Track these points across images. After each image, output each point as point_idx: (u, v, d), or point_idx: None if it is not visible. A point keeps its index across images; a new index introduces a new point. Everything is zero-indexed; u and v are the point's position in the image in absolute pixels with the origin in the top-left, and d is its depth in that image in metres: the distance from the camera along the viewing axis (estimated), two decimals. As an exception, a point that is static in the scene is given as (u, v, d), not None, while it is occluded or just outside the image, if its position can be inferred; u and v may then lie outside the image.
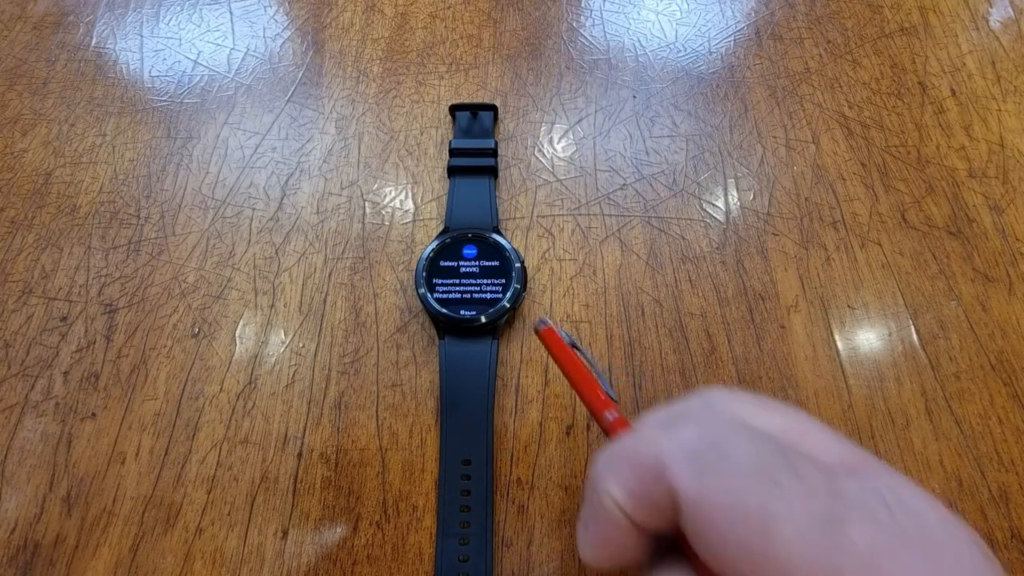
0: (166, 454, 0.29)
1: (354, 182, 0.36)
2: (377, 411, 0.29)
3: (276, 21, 0.42)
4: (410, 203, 0.35)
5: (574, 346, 0.21)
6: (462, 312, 0.29)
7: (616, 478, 0.15)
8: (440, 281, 0.30)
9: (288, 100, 0.39)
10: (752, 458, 0.13)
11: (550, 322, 0.22)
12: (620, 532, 0.15)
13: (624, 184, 0.35)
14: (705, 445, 0.14)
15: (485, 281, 0.30)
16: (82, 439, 0.29)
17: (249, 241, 0.34)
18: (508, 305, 0.30)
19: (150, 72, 0.40)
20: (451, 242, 0.31)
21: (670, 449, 0.14)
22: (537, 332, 0.22)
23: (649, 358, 0.30)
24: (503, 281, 0.30)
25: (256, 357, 0.31)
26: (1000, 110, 0.37)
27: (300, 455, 0.28)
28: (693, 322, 0.31)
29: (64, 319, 0.32)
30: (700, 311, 0.31)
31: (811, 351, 0.30)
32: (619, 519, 0.15)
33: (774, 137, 0.36)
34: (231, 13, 0.43)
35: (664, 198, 0.35)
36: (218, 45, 0.41)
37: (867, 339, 0.31)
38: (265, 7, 0.43)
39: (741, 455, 0.13)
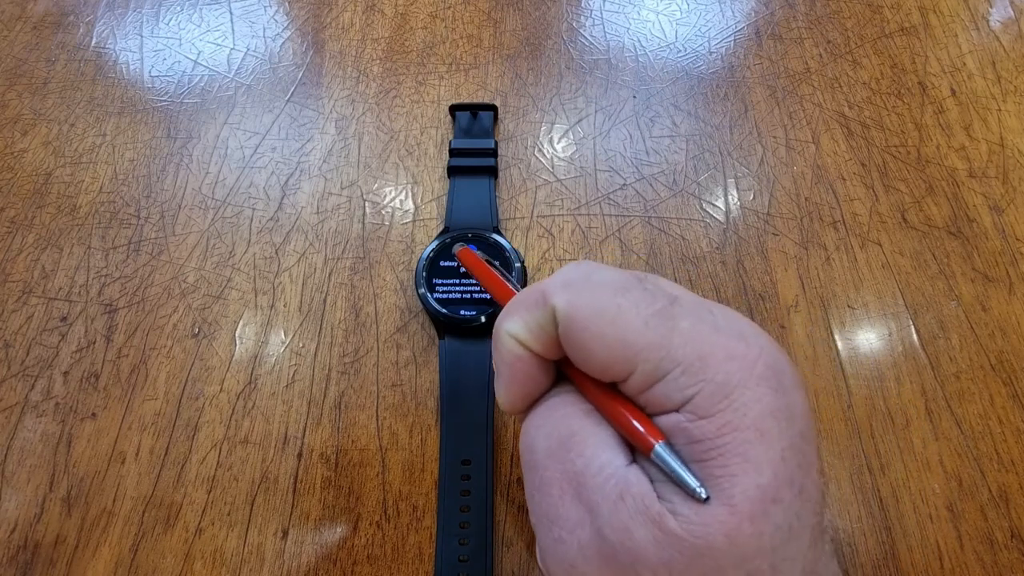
0: (166, 454, 0.29)
1: (354, 182, 0.36)
2: (377, 411, 0.29)
3: (276, 21, 0.42)
4: (410, 203, 0.35)
5: (488, 262, 0.25)
6: (462, 312, 0.29)
7: (512, 317, 0.18)
8: (440, 281, 0.30)
9: (288, 100, 0.39)
10: (611, 278, 0.17)
11: (465, 246, 0.28)
12: (524, 364, 0.18)
13: (624, 184, 0.35)
14: (576, 275, 0.17)
15: (485, 281, 0.30)
16: (82, 439, 0.29)
17: (249, 241, 0.34)
18: (508, 305, 0.30)
19: (150, 72, 0.40)
20: (451, 242, 0.31)
21: (550, 282, 0.17)
22: (455, 254, 0.26)
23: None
24: (503, 281, 0.30)
25: (256, 357, 0.31)
26: (1000, 110, 0.37)
27: (300, 455, 0.28)
28: (693, 322, 0.31)
29: (64, 319, 0.32)
30: (700, 311, 0.31)
31: (811, 351, 0.30)
32: (519, 352, 0.18)
33: (774, 137, 0.36)
34: (231, 13, 0.43)
35: (664, 198, 0.35)
36: (218, 45, 0.41)
37: (867, 339, 0.31)
38: (265, 7, 0.43)
39: (602, 277, 0.17)
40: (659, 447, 0.15)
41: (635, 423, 0.16)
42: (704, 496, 0.14)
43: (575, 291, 0.17)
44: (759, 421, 0.14)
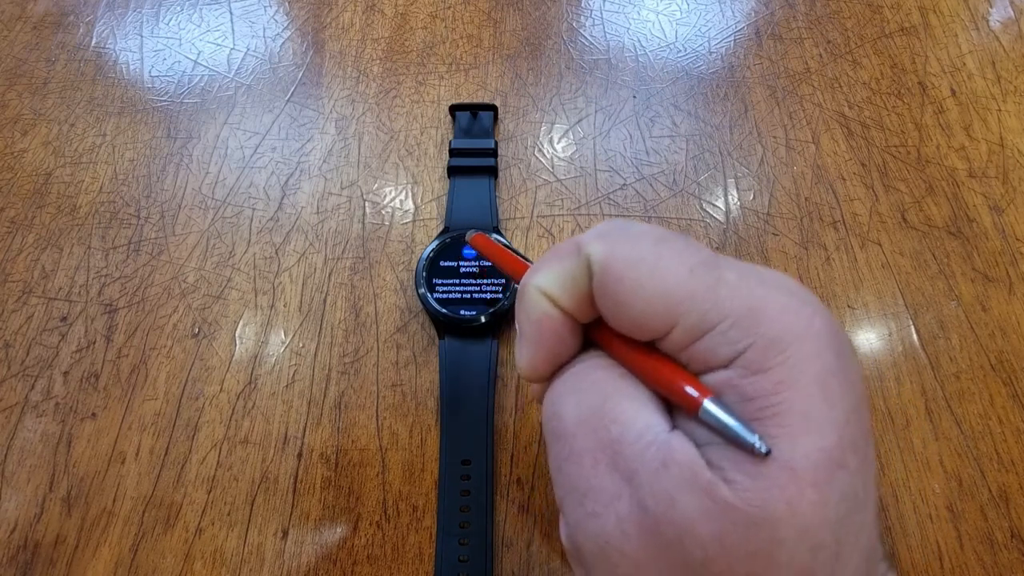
0: (166, 454, 0.29)
1: (354, 182, 0.36)
2: (377, 411, 0.29)
3: (276, 21, 0.42)
4: (410, 203, 0.35)
5: (506, 245, 0.25)
6: (462, 312, 0.29)
7: (541, 271, 0.17)
8: (440, 281, 0.30)
9: (288, 100, 0.39)
10: (649, 229, 0.16)
11: (477, 232, 0.27)
12: (552, 322, 0.16)
13: (624, 184, 0.35)
14: (611, 226, 0.16)
15: (485, 281, 0.30)
16: (82, 439, 0.29)
17: (249, 241, 0.34)
18: (508, 305, 0.30)
19: (150, 72, 0.40)
20: (451, 242, 0.31)
21: (584, 235, 0.16)
22: (467, 241, 0.25)
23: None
24: (503, 281, 0.30)
25: (256, 357, 0.31)
26: (1000, 110, 0.37)
27: (300, 455, 0.28)
28: (693, 322, 0.31)
29: (64, 319, 0.32)
30: (700, 311, 0.31)
31: (811, 351, 0.30)
32: (548, 309, 0.16)
33: (774, 137, 0.36)
34: (231, 13, 0.43)
35: (664, 198, 0.35)
36: (218, 45, 0.41)
37: (867, 339, 0.31)
38: (265, 7, 0.43)
39: (640, 228, 0.16)
40: (709, 401, 0.14)
41: (680, 380, 0.15)
42: (765, 451, 0.13)
43: (612, 240, 0.15)
44: (822, 378, 0.13)
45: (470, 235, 0.26)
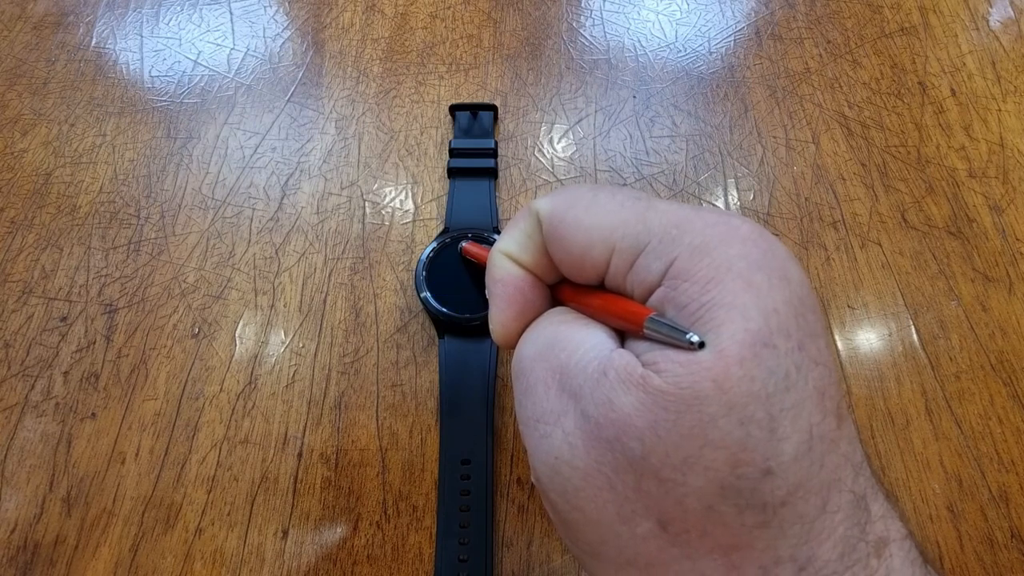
0: (166, 454, 0.29)
1: (354, 182, 0.36)
2: (377, 411, 0.29)
3: (276, 21, 0.42)
4: (410, 203, 0.35)
5: None
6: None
7: (502, 237, 0.19)
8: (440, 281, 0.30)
9: (288, 100, 0.39)
10: (588, 184, 0.18)
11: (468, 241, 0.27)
12: (515, 280, 0.18)
13: (624, 184, 0.35)
14: (559, 190, 0.18)
15: (485, 281, 0.30)
16: (82, 439, 0.29)
17: (249, 241, 0.34)
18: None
19: (150, 72, 0.40)
20: (451, 242, 0.31)
21: (536, 200, 0.18)
22: (461, 250, 0.26)
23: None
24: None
25: (256, 357, 0.31)
26: (1000, 110, 0.37)
27: (300, 455, 0.28)
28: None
29: (64, 319, 0.32)
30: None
31: (811, 351, 0.30)
32: (510, 268, 0.18)
33: (774, 137, 0.36)
34: (231, 13, 0.43)
35: (664, 198, 0.35)
36: (218, 45, 0.41)
37: (867, 339, 0.31)
38: (265, 7, 0.43)
39: (580, 187, 0.18)
40: (649, 317, 0.15)
41: (623, 304, 0.16)
42: (698, 341, 0.13)
43: (555, 195, 0.17)
44: (747, 273, 0.14)
45: (462, 246, 0.27)
